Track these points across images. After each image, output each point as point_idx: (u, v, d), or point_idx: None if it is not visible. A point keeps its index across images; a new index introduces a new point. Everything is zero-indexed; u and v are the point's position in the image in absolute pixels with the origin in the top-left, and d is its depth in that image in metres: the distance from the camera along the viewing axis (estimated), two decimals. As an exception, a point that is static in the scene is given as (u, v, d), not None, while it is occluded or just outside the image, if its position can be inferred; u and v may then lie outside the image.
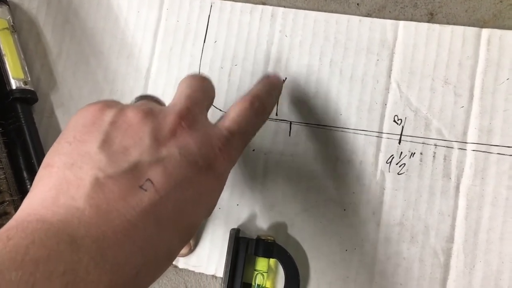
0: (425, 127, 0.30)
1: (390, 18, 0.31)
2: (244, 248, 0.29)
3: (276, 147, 0.31)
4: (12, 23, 0.33)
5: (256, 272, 0.29)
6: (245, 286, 0.29)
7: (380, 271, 0.29)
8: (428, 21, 0.31)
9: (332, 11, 0.31)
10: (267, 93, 0.26)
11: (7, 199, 0.30)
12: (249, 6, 0.32)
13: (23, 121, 0.31)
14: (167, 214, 0.18)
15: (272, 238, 0.29)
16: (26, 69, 0.33)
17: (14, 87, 0.31)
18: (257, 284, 0.29)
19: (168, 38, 0.33)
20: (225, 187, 0.31)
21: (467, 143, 0.29)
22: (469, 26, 0.30)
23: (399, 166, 0.30)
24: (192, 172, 0.19)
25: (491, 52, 0.29)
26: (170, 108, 0.21)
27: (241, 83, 0.32)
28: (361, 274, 0.29)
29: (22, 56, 0.33)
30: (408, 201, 0.29)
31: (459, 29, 0.30)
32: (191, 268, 0.31)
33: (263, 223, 0.30)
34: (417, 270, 0.29)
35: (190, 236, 0.20)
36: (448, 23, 0.30)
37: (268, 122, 0.31)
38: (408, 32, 0.30)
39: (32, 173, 0.31)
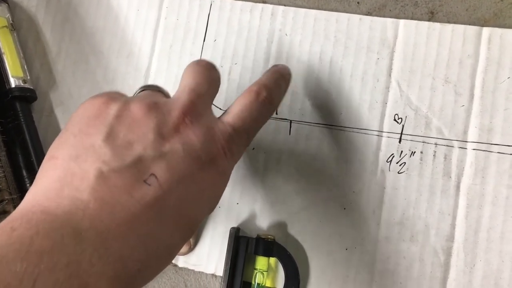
0: (425, 126, 0.29)
1: (391, 17, 0.31)
2: (244, 247, 0.29)
3: (276, 145, 0.31)
4: (11, 22, 0.33)
5: (256, 271, 0.29)
6: (245, 285, 0.29)
7: (380, 270, 0.29)
8: (429, 20, 0.30)
9: (332, 10, 0.31)
10: (275, 83, 0.25)
11: (6, 197, 0.29)
12: (249, 4, 0.32)
13: (22, 120, 0.31)
14: (170, 209, 0.18)
15: (272, 237, 0.29)
16: (26, 67, 0.33)
17: (13, 85, 0.31)
18: (257, 283, 0.29)
19: (168, 36, 0.33)
20: (225, 186, 0.31)
21: (467, 142, 0.29)
22: (469, 25, 0.30)
23: (400, 165, 0.30)
24: (195, 168, 0.19)
25: (491, 51, 0.29)
26: (174, 101, 0.21)
27: (241, 81, 0.32)
28: (361, 273, 0.29)
29: (22, 54, 0.33)
30: (408, 200, 0.29)
31: (460, 28, 0.30)
32: (190, 267, 0.31)
33: (263, 222, 0.30)
34: (417, 269, 0.29)
35: (192, 232, 0.20)
36: (448, 22, 0.30)
37: (268, 121, 0.31)
38: (408, 31, 0.30)
39: (32, 172, 0.31)
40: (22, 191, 0.30)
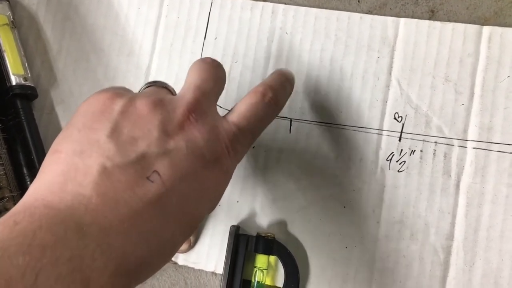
0: (425, 124, 0.30)
1: (391, 15, 0.31)
2: (244, 245, 0.29)
3: (276, 144, 0.31)
4: (12, 19, 0.33)
5: (255, 269, 0.29)
6: (244, 283, 0.29)
7: (380, 268, 0.29)
8: (429, 19, 0.30)
9: (333, 8, 0.31)
10: (281, 84, 0.25)
11: (6, 195, 0.30)
12: (249, 3, 0.32)
13: (23, 117, 0.31)
14: (172, 206, 0.18)
15: (272, 235, 0.29)
16: (26, 65, 0.33)
17: (14, 83, 0.31)
18: (257, 281, 0.29)
19: (169, 34, 0.33)
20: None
21: (467, 140, 0.29)
22: (470, 23, 0.30)
23: (399, 164, 0.30)
24: (199, 166, 0.19)
25: (492, 49, 0.29)
26: (179, 99, 0.21)
27: (241, 80, 0.32)
28: (360, 272, 0.29)
29: (22, 52, 0.33)
30: (408, 198, 0.29)
31: (460, 26, 0.30)
32: (190, 265, 0.31)
33: (263, 220, 0.30)
34: (417, 268, 0.29)
35: (193, 229, 0.20)
36: (449, 21, 0.30)
37: (268, 119, 0.31)
38: (409, 30, 0.30)
39: (32, 169, 0.31)
40: (22, 189, 0.30)
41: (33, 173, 0.31)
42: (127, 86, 0.33)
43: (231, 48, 0.32)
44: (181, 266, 0.31)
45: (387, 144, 0.30)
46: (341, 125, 0.30)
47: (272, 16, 0.32)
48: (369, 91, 0.30)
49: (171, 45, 0.33)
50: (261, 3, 0.32)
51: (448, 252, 0.29)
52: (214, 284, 0.31)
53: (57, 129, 0.33)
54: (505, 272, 0.28)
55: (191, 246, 0.30)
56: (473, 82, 0.29)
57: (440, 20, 0.30)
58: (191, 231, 0.20)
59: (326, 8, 0.31)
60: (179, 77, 0.33)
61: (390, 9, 0.31)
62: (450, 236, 0.29)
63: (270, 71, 0.31)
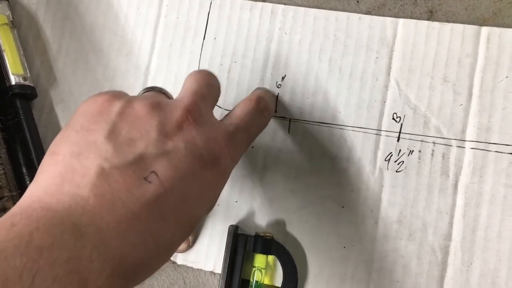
0: (424, 125, 0.30)
1: (390, 16, 0.31)
2: (242, 245, 0.29)
3: (275, 144, 0.31)
4: (11, 19, 0.33)
5: (254, 269, 0.29)
6: (243, 283, 0.29)
7: (377, 268, 0.29)
8: (428, 19, 0.31)
9: (332, 9, 0.31)
10: (269, 98, 0.27)
11: (6, 194, 0.30)
12: (249, 3, 0.32)
13: (22, 117, 0.31)
14: (170, 207, 0.18)
15: (270, 235, 0.29)
16: (26, 65, 0.33)
17: (13, 82, 0.31)
18: (255, 281, 0.29)
19: (168, 34, 0.33)
20: (224, 184, 0.31)
21: (465, 141, 0.29)
22: (468, 24, 0.30)
23: (398, 164, 0.30)
24: (197, 167, 0.19)
25: (490, 50, 0.29)
26: (177, 102, 0.21)
27: (240, 80, 0.32)
28: (358, 271, 0.29)
29: (22, 52, 0.33)
30: (406, 198, 0.29)
31: (459, 27, 0.30)
32: (189, 264, 0.31)
33: (261, 220, 0.31)
34: (415, 268, 0.29)
35: (191, 230, 0.20)
36: (447, 21, 0.30)
37: (267, 119, 0.31)
38: (407, 30, 0.30)
39: (31, 169, 0.31)
40: (22, 188, 0.31)
41: (32, 173, 0.31)
42: (126, 86, 0.33)
43: (230, 48, 0.32)
44: (180, 266, 0.31)
45: (386, 144, 0.30)
46: (339, 125, 0.30)
47: (271, 16, 0.32)
48: (368, 91, 0.30)
49: (170, 45, 0.33)
50: (260, 3, 0.32)
51: (446, 252, 0.29)
52: (213, 283, 0.31)
53: (57, 129, 0.33)
54: (502, 272, 0.28)
55: (190, 246, 0.31)
56: (472, 82, 0.29)
57: (438, 21, 0.30)
58: (189, 232, 0.20)
59: (325, 9, 0.31)
60: (178, 77, 0.33)
61: (389, 9, 0.31)
62: (448, 236, 0.29)
63: (269, 71, 0.31)
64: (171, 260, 0.31)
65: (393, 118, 0.30)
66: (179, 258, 0.31)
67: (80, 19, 0.34)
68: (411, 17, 0.31)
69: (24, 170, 0.31)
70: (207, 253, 0.31)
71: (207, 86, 0.23)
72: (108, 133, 0.18)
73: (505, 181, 0.28)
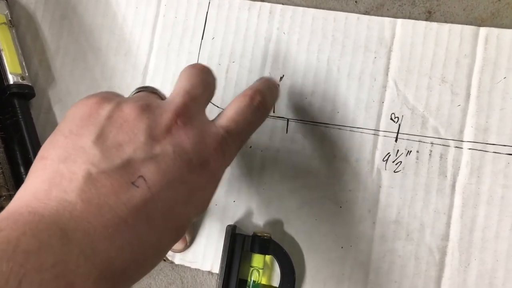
0: (421, 125, 0.30)
1: (388, 16, 0.31)
2: (240, 245, 0.29)
3: (273, 144, 0.31)
4: (10, 18, 0.33)
5: (252, 269, 0.29)
6: (241, 283, 0.29)
7: (375, 268, 0.29)
8: (426, 19, 0.31)
9: (330, 9, 0.31)
10: (269, 89, 0.26)
11: (4, 194, 0.30)
12: (247, 3, 0.32)
13: (20, 117, 0.31)
14: (158, 211, 0.18)
15: (268, 235, 0.29)
16: (24, 64, 0.33)
17: (11, 82, 0.31)
18: (253, 280, 0.29)
19: (166, 34, 0.33)
20: (221, 184, 0.31)
21: (463, 141, 0.29)
22: (467, 24, 0.30)
23: (396, 164, 0.30)
24: (186, 171, 0.19)
25: (488, 50, 0.29)
26: (167, 103, 0.21)
27: (238, 80, 0.32)
28: (356, 271, 0.29)
29: (20, 51, 0.33)
30: (404, 199, 0.29)
31: (457, 27, 0.30)
32: (187, 264, 0.31)
33: (259, 220, 0.31)
34: (412, 268, 0.29)
35: (181, 234, 0.20)
36: (446, 22, 0.30)
37: (265, 119, 0.31)
38: (406, 30, 0.30)
39: (29, 169, 0.31)
40: (19, 188, 0.30)
41: (30, 172, 0.31)
42: (124, 86, 0.33)
43: (229, 48, 0.32)
44: (177, 266, 0.31)
45: (384, 144, 0.30)
46: (337, 125, 0.30)
47: (270, 16, 0.32)
48: (366, 91, 0.30)
49: (169, 45, 0.33)
50: (259, 3, 0.32)
51: (443, 252, 0.29)
52: (211, 283, 0.31)
53: (54, 128, 0.33)
54: (500, 272, 0.28)
55: (188, 246, 0.31)
56: (470, 83, 0.29)
57: (437, 21, 0.30)
58: (178, 235, 0.20)
59: (323, 9, 0.31)
60: (176, 76, 0.32)
61: (387, 9, 0.31)
62: (446, 237, 0.29)
63: (267, 71, 0.31)
64: (169, 260, 0.31)
65: (391, 119, 0.30)
66: (176, 257, 0.31)
67: (79, 18, 0.34)
68: (409, 18, 0.31)
69: (22, 170, 0.31)
70: (205, 253, 0.31)
71: (200, 85, 0.22)
72: (96, 137, 0.18)
73: (503, 181, 0.28)
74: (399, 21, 0.30)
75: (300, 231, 0.30)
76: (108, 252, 0.16)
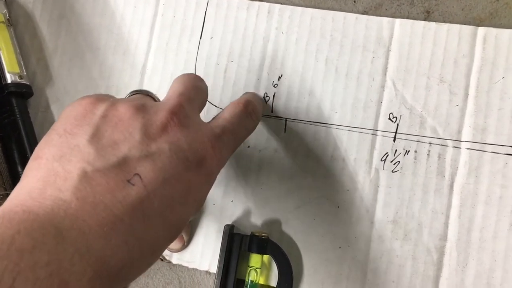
0: (420, 125, 0.30)
1: (387, 16, 0.31)
2: (238, 244, 0.29)
3: (271, 143, 0.31)
4: (8, 17, 0.33)
5: (249, 268, 0.29)
6: (238, 282, 0.29)
7: (373, 268, 0.29)
8: (425, 19, 0.31)
9: (328, 8, 0.31)
10: (258, 101, 0.27)
11: (1, 193, 0.30)
12: (245, 2, 0.32)
13: (18, 116, 0.31)
14: (154, 209, 0.18)
15: (266, 235, 0.29)
16: (22, 63, 0.33)
17: (9, 81, 0.31)
18: (251, 280, 0.29)
19: (164, 33, 0.33)
20: (219, 184, 0.31)
21: (461, 141, 0.29)
22: (465, 24, 0.30)
23: (394, 164, 0.30)
24: (182, 168, 0.19)
25: (486, 50, 0.29)
26: (162, 104, 0.21)
27: (236, 79, 0.32)
28: (354, 271, 0.29)
29: (18, 50, 0.33)
30: (401, 199, 0.29)
31: (455, 27, 0.30)
32: (184, 264, 0.31)
33: (257, 220, 0.31)
34: (410, 268, 0.29)
35: (177, 232, 0.20)
36: (444, 21, 0.30)
37: (263, 119, 0.31)
38: (404, 30, 0.30)
39: (27, 168, 0.31)
40: (17, 187, 0.30)
41: (27, 171, 0.31)
42: (122, 85, 0.33)
43: (227, 47, 0.32)
44: (175, 265, 0.31)
45: (382, 144, 0.30)
46: (335, 125, 0.30)
47: (268, 16, 0.32)
48: (364, 91, 0.30)
49: (167, 44, 0.33)
50: (257, 3, 0.32)
51: (441, 252, 0.29)
52: (208, 283, 0.31)
53: (53, 128, 0.33)
54: (497, 272, 0.28)
55: (185, 245, 0.30)
56: (468, 83, 0.29)
57: (435, 21, 0.30)
58: (175, 234, 0.20)
59: (322, 8, 0.31)
60: (174, 76, 0.32)
61: (386, 9, 0.31)
62: (444, 237, 0.29)
63: (265, 70, 0.31)
64: (166, 260, 0.31)
65: (389, 118, 0.30)
66: (174, 257, 0.31)
67: (77, 17, 0.34)
68: (407, 17, 0.31)
69: (20, 169, 0.31)
70: (203, 252, 0.31)
71: (193, 88, 0.23)
72: (91, 136, 0.18)
73: (501, 181, 0.28)
74: (398, 21, 0.30)
75: (298, 231, 0.30)
76: (104, 250, 0.16)
